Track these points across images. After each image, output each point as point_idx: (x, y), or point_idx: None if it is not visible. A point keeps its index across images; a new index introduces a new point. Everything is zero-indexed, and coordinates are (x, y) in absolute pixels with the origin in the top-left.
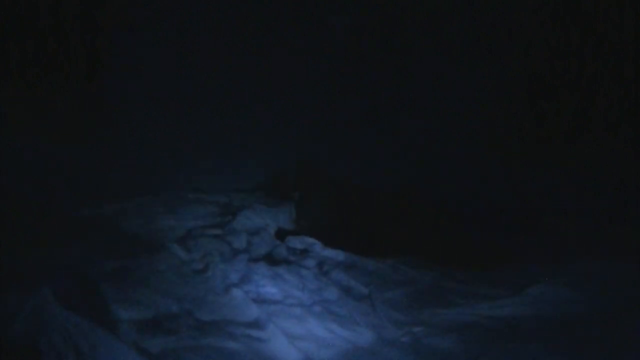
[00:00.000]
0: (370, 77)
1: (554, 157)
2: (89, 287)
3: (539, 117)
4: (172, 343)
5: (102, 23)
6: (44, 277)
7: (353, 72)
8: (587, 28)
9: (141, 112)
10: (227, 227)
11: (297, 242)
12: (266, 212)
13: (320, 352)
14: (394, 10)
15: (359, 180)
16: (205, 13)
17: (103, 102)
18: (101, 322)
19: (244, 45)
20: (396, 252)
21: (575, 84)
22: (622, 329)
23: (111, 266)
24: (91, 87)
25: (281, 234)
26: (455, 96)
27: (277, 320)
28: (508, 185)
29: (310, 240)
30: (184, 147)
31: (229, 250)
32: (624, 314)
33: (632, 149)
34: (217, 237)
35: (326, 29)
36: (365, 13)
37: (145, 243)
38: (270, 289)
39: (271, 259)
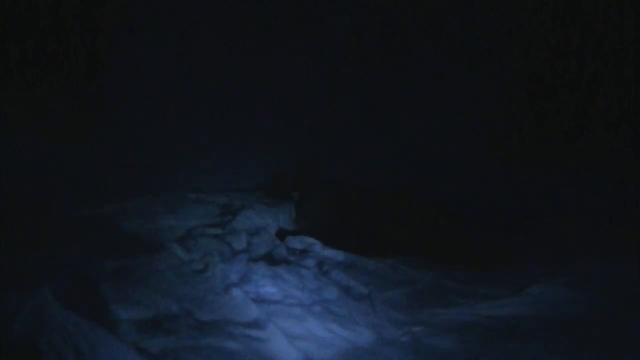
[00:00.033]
0: (370, 77)
1: (554, 157)
2: (89, 287)
3: (539, 117)
4: (172, 343)
5: (102, 23)
6: (44, 277)
7: (353, 72)
8: (587, 28)
9: (141, 112)
10: (227, 227)
11: (297, 242)
12: (266, 212)
13: (320, 352)
14: (394, 10)
15: (359, 180)
16: (205, 13)
17: (103, 102)
18: (101, 322)
19: (244, 45)
20: (396, 252)
21: (575, 84)
22: (622, 329)
23: (111, 266)
24: (91, 87)
25: (281, 234)
26: (455, 96)
27: (277, 321)
28: (508, 185)
29: (310, 240)
30: (184, 147)
31: (229, 250)
32: (624, 314)
33: (632, 149)
34: (217, 237)
35: (326, 29)
36: (365, 13)
37: (145, 243)
38: (270, 289)
39: (271, 259)
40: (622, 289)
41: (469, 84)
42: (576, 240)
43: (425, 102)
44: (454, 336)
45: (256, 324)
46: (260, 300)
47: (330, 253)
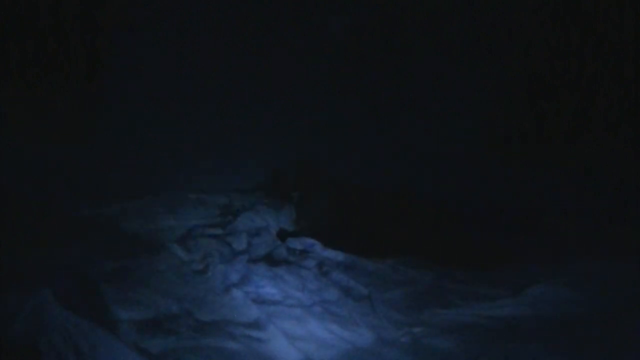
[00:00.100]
0: (370, 77)
1: (554, 157)
2: (89, 287)
3: (539, 117)
4: (172, 343)
5: (102, 23)
6: (44, 277)
7: (353, 72)
8: (587, 28)
9: (141, 112)
10: (227, 228)
11: (297, 243)
12: (266, 212)
13: (320, 353)
14: (394, 10)
15: (359, 180)
16: (205, 13)
17: (103, 102)
18: (101, 322)
19: (244, 45)
20: (396, 252)
21: (575, 84)
22: (622, 329)
23: (111, 266)
24: (91, 87)
25: (281, 235)
26: (455, 96)
27: (277, 321)
28: (508, 185)
29: (310, 240)
30: (184, 147)
31: (229, 250)
32: (624, 314)
33: (632, 149)
34: (217, 237)
35: (326, 29)
36: (365, 13)
37: (146, 243)
38: (270, 290)
39: (271, 260)
40: (622, 289)
41: (469, 84)
42: (576, 240)
43: (425, 102)
44: (453, 336)
45: (256, 325)
46: (260, 301)
47: (330, 253)
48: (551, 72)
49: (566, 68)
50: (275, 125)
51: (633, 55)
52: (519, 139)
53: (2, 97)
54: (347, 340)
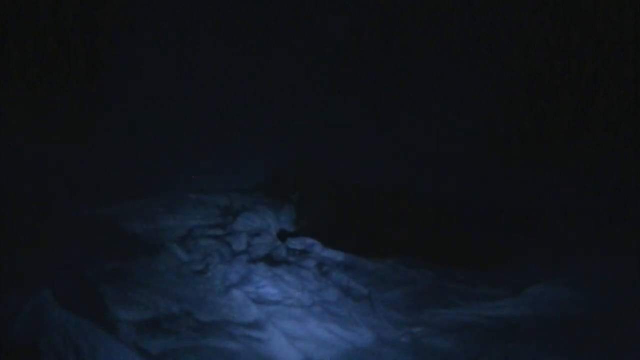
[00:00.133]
0: (370, 77)
1: (554, 157)
2: (89, 287)
3: (539, 117)
4: (172, 344)
5: (102, 23)
6: (44, 277)
7: (353, 72)
8: (587, 28)
9: (141, 112)
10: (227, 228)
11: (297, 243)
12: (266, 212)
13: (320, 353)
14: (394, 10)
15: (359, 180)
16: (205, 13)
17: (103, 102)
18: (101, 322)
19: (244, 45)
20: (396, 252)
21: (575, 84)
22: (622, 329)
23: (111, 267)
24: (91, 87)
25: (281, 235)
26: (455, 96)
27: (277, 321)
28: (508, 185)
29: (310, 240)
30: (184, 147)
31: (229, 251)
32: (624, 314)
33: (632, 149)
34: (217, 237)
35: (326, 29)
36: (365, 13)
37: (146, 243)
38: (270, 290)
39: (271, 260)
40: (622, 289)
41: (469, 84)
42: (576, 240)
43: (425, 102)
44: (453, 336)
45: (256, 325)
46: (260, 301)
47: (330, 254)
48: (551, 72)
49: (566, 68)
50: (275, 125)
51: (633, 55)
52: (519, 139)
53: (2, 97)
54: (347, 340)
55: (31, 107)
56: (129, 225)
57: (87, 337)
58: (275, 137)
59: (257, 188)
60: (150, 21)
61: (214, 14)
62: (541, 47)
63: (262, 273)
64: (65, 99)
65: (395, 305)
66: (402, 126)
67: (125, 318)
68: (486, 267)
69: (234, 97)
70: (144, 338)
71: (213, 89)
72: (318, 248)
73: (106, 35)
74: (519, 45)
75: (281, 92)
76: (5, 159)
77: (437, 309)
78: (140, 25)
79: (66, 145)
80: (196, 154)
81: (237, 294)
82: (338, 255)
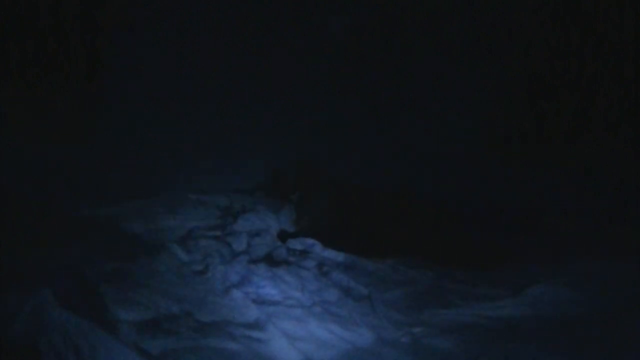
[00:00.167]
0: (370, 77)
1: (554, 157)
2: (88, 287)
3: (539, 117)
4: (172, 344)
5: (102, 23)
6: (43, 278)
7: (353, 72)
8: (587, 28)
9: (141, 112)
10: (227, 228)
11: (297, 243)
12: (266, 212)
13: (320, 353)
14: (394, 10)
15: (359, 180)
16: (205, 13)
17: (103, 102)
18: (101, 322)
19: (244, 45)
20: (396, 252)
21: (575, 84)
22: (622, 329)
23: (111, 267)
24: (91, 87)
25: (281, 235)
26: (455, 96)
27: (277, 321)
28: (508, 185)
29: (310, 241)
30: (184, 147)
31: (229, 251)
32: (624, 314)
33: (632, 149)
34: (217, 238)
35: (326, 29)
36: (365, 13)
37: (146, 244)
38: (270, 290)
39: (271, 260)
40: (622, 289)
41: (469, 84)
42: (576, 240)
43: (425, 102)
44: (453, 336)
45: (256, 325)
46: (260, 301)
47: (330, 254)
48: (551, 72)
49: (566, 68)
50: (275, 125)
51: (633, 55)
52: (519, 139)
53: (2, 97)
54: (347, 340)
55: (31, 107)
56: (129, 225)
57: (87, 337)
58: (275, 137)
59: (257, 188)
60: (150, 21)
61: (214, 14)
62: (541, 47)
63: (262, 273)
64: (65, 99)
65: (395, 305)
66: (402, 126)
67: (125, 318)
68: (486, 267)
69: (234, 97)
70: (144, 338)
71: (213, 89)
72: (318, 248)
73: (106, 35)
74: (519, 45)
75: (281, 92)
76: (5, 159)
77: (437, 309)
78: (140, 25)
79: (66, 145)
80: (196, 154)
81: (237, 294)
82: (338, 256)
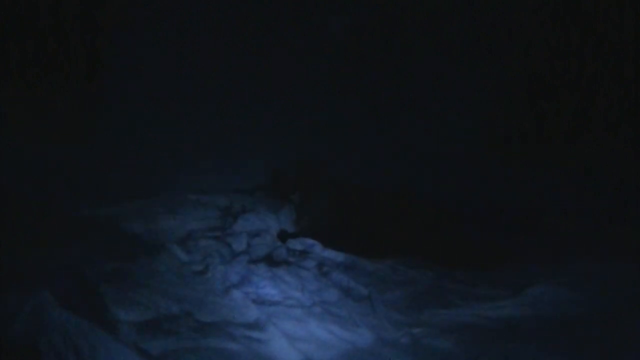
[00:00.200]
0: (370, 77)
1: (554, 157)
2: (88, 287)
3: (539, 117)
4: (172, 344)
5: (102, 23)
6: (43, 278)
7: (353, 72)
8: (587, 28)
9: (141, 112)
10: (227, 229)
11: (296, 243)
12: (266, 213)
13: (320, 353)
14: (394, 10)
15: (359, 180)
16: (205, 13)
17: (103, 102)
18: (101, 322)
19: (244, 45)
20: (396, 252)
21: (575, 84)
22: (622, 329)
23: (111, 267)
24: (91, 87)
25: (281, 235)
26: (455, 96)
27: (277, 322)
28: (508, 185)
29: (310, 241)
30: (184, 147)
31: (228, 251)
32: (624, 314)
33: (632, 149)
34: (217, 238)
35: (326, 29)
36: (365, 13)
37: (146, 244)
38: (270, 290)
39: (271, 261)
40: (622, 289)
41: (469, 84)
42: (576, 240)
43: (425, 102)
44: (453, 337)
45: (256, 325)
46: (260, 302)
47: (330, 254)
48: (551, 72)
49: (566, 68)
50: (275, 125)
51: (633, 55)
52: (519, 139)
53: (2, 97)
54: (347, 340)
55: (31, 107)
56: (129, 225)
57: (87, 337)
58: (275, 137)
59: (257, 188)
60: (150, 21)
61: (214, 14)
62: (541, 47)
63: (262, 273)
64: (65, 99)
65: (395, 305)
66: (402, 126)
67: (125, 318)
68: (486, 267)
69: (234, 97)
70: (144, 338)
71: (213, 89)
72: (318, 248)
73: (106, 35)
74: (519, 45)
75: (281, 92)
76: (5, 159)
77: (437, 309)
78: (140, 25)
79: (66, 145)
80: (196, 154)
81: (237, 294)
82: (338, 256)
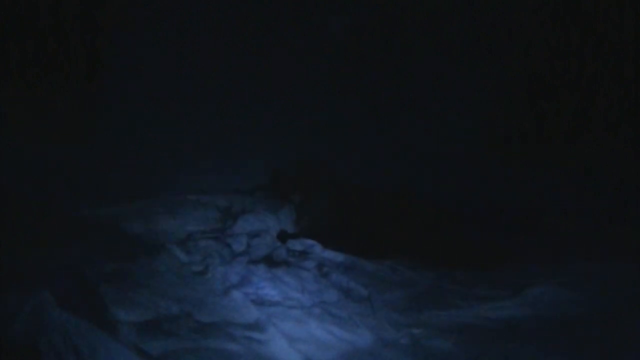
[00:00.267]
0: (370, 77)
1: (554, 157)
2: (88, 288)
3: (539, 117)
4: (172, 345)
5: (102, 23)
6: (43, 278)
7: (353, 72)
8: (587, 28)
9: (141, 112)
10: (227, 229)
11: (296, 244)
12: (266, 213)
13: (319, 354)
14: (394, 10)
15: (359, 180)
16: (205, 13)
17: (103, 102)
18: (101, 323)
19: (244, 45)
20: (396, 252)
21: (575, 84)
22: (622, 329)
23: (111, 267)
24: (91, 87)
25: (281, 236)
26: (455, 96)
27: (276, 322)
28: (508, 185)
29: (310, 241)
30: (184, 147)
31: (228, 252)
32: (624, 314)
33: (632, 149)
34: (217, 238)
35: (326, 29)
36: (365, 13)
37: (145, 244)
38: (269, 291)
39: (271, 261)
40: (622, 289)
41: (469, 84)
42: (576, 240)
43: (425, 102)
44: (453, 337)
45: (256, 326)
46: (260, 302)
47: (329, 254)
48: (551, 72)
49: (566, 68)
50: (275, 125)
51: (633, 55)
52: (519, 139)
53: (2, 97)
54: (347, 341)
55: (31, 107)
56: (129, 225)
57: (87, 338)
58: (275, 137)
59: (257, 188)
60: (150, 21)
61: (214, 14)
62: (541, 47)
63: (262, 274)
64: (65, 99)
65: (395, 306)
66: (402, 126)
67: (125, 319)
68: (486, 267)
69: (234, 97)
70: (144, 339)
71: (213, 89)
72: (318, 249)
73: (106, 35)
74: (519, 45)
75: (281, 92)
76: (5, 159)
77: (437, 310)
78: (140, 25)
79: (66, 145)
80: (196, 154)
81: (236, 294)
82: (338, 256)
